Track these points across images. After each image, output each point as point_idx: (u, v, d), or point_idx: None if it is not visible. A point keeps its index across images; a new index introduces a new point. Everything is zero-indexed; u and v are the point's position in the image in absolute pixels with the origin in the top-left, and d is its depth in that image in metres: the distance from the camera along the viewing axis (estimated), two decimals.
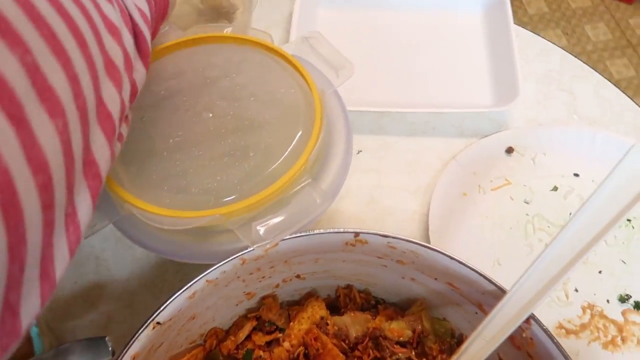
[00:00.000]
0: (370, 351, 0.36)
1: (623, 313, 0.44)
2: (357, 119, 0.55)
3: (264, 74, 0.40)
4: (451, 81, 0.58)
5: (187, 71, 0.40)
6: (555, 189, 0.51)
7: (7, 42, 0.16)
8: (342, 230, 0.34)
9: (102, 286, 0.47)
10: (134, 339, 0.31)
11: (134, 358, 0.31)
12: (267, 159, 0.35)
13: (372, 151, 0.54)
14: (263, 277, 0.37)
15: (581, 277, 0.46)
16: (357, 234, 0.34)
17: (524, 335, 0.32)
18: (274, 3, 0.67)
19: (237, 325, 0.39)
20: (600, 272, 0.46)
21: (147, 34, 0.31)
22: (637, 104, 0.57)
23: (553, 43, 0.61)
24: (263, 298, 0.39)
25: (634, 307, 0.44)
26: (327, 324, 0.37)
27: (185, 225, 0.33)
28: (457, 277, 0.34)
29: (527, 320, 0.31)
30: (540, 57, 0.61)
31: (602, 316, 0.44)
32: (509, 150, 0.52)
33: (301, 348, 0.36)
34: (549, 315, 0.44)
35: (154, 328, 0.32)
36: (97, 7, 0.24)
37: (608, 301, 0.45)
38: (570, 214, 0.49)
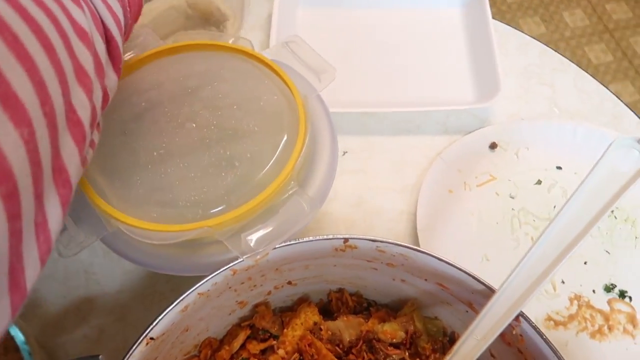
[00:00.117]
0: (365, 354, 0.36)
1: (609, 302, 0.45)
2: (340, 120, 0.55)
3: (245, 82, 0.40)
4: (433, 78, 0.58)
5: (166, 81, 0.39)
6: (539, 182, 0.51)
7: None
8: (331, 236, 0.34)
9: (92, 300, 0.47)
10: (127, 357, 0.31)
11: None
12: (253, 168, 0.35)
13: (358, 152, 0.54)
14: (254, 285, 0.37)
15: (567, 269, 0.47)
16: (346, 239, 0.34)
17: (514, 332, 0.33)
18: (252, 6, 0.66)
19: (230, 334, 0.39)
20: (585, 263, 0.47)
21: (119, 39, 0.30)
22: (614, 94, 0.58)
23: (532, 37, 0.62)
24: (255, 306, 0.39)
25: (619, 296, 0.46)
26: (321, 329, 0.37)
27: (174, 239, 0.33)
28: (447, 278, 0.34)
29: (516, 318, 0.32)
30: (519, 51, 0.61)
31: (589, 306, 0.45)
32: (493, 146, 0.53)
33: (296, 355, 0.36)
34: (538, 308, 0.45)
35: (147, 344, 0.32)
36: (65, 11, 0.24)
37: (594, 291, 0.46)
38: (554, 206, 0.50)
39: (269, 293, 0.39)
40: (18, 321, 0.39)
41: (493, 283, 0.33)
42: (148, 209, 0.34)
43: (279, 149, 0.36)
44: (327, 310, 0.41)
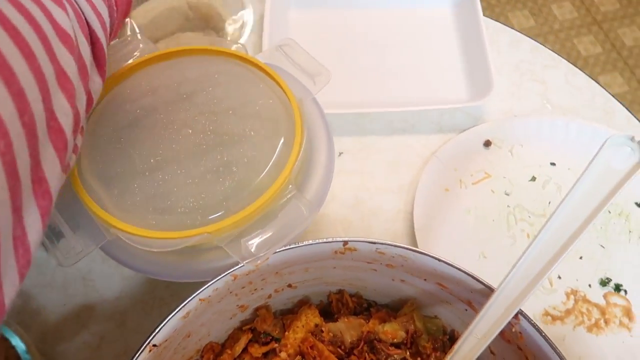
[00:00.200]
0: (366, 355, 0.36)
1: (604, 296, 0.46)
2: (335, 121, 0.56)
3: (240, 86, 0.40)
4: (426, 78, 0.59)
5: (161, 87, 0.39)
6: (533, 179, 0.52)
7: None
8: (331, 240, 0.34)
9: (91, 307, 0.47)
10: None
11: None
12: (250, 173, 0.35)
13: (354, 152, 0.55)
14: (255, 289, 0.37)
15: (563, 264, 0.47)
16: (345, 242, 0.34)
17: (513, 330, 0.33)
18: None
19: (232, 338, 0.39)
20: (581, 257, 0.48)
21: (104, 41, 0.29)
22: (605, 88, 0.59)
23: (522, 32, 0.62)
24: (256, 309, 0.40)
25: (615, 290, 0.46)
26: (322, 331, 0.37)
27: (174, 246, 0.33)
28: (446, 278, 0.35)
29: (515, 316, 0.32)
30: (511, 47, 0.62)
31: (585, 301, 0.46)
32: (487, 144, 0.53)
33: (298, 357, 0.36)
34: (535, 303, 0.46)
35: (150, 351, 0.32)
36: (45, 12, 0.23)
37: (590, 286, 0.46)
38: (549, 203, 0.50)
39: (270, 296, 0.39)
40: (18, 330, 0.39)
41: (491, 280, 0.33)
42: (146, 217, 0.34)
43: (276, 153, 0.36)
44: (328, 312, 0.41)
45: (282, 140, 0.37)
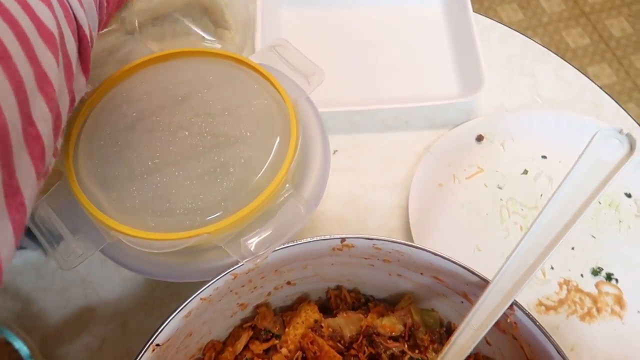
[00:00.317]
0: (365, 348, 0.37)
1: (596, 285, 0.47)
2: (329, 120, 0.56)
3: (235, 87, 0.40)
4: (419, 74, 0.59)
5: (156, 90, 0.40)
6: (525, 172, 0.53)
7: None
8: (328, 237, 0.35)
9: (92, 309, 0.47)
10: None
11: None
12: (247, 173, 0.36)
13: (348, 150, 0.55)
14: (255, 287, 0.38)
15: (556, 255, 0.48)
16: (343, 239, 0.35)
17: (508, 320, 0.34)
18: (232, 5, 0.66)
19: (233, 335, 0.40)
20: (573, 248, 0.49)
21: (90, 38, 0.28)
22: (593, 81, 0.60)
23: (511, 26, 0.63)
24: (256, 307, 0.40)
25: (606, 279, 0.47)
26: (322, 327, 0.38)
27: (174, 247, 0.34)
28: (442, 271, 0.35)
29: (510, 307, 0.33)
30: (500, 43, 0.63)
31: (578, 290, 0.47)
32: (479, 138, 0.54)
33: (299, 353, 0.37)
34: (529, 294, 0.47)
35: (153, 350, 0.32)
36: (27, 9, 0.21)
37: (582, 275, 0.47)
38: (541, 195, 0.51)
39: (269, 294, 0.40)
40: (20, 333, 0.40)
41: (485, 272, 0.34)
42: (146, 219, 0.35)
43: (272, 153, 0.37)
44: (327, 308, 0.42)
45: (277, 140, 0.37)
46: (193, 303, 0.33)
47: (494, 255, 0.48)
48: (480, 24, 0.63)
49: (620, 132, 0.33)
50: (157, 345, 0.32)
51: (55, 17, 0.23)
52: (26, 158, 0.21)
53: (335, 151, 0.55)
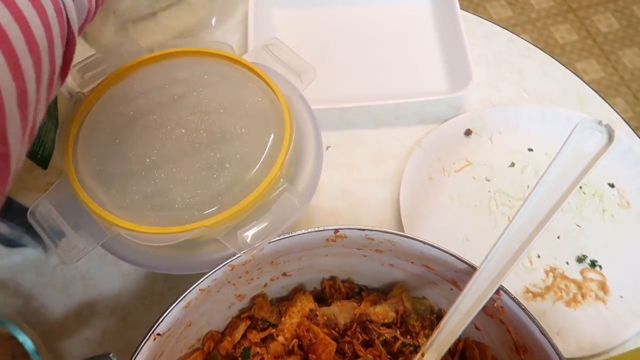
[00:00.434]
0: (359, 335, 0.38)
1: (581, 272, 0.49)
2: (322, 116, 0.57)
3: (229, 86, 0.41)
4: (408, 71, 0.61)
5: (152, 89, 0.41)
6: (512, 164, 0.54)
7: None
8: (322, 228, 0.36)
9: (92, 304, 0.48)
10: (137, 352, 0.33)
11: None
12: (243, 169, 0.37)
13: (340, 146, 0.56)
14: (252, 279, 0.39)
15: (542, 244, 0.50)
16: (336, 230, 0.36)
17: (495, 305, 0.35)
18: (226, 7, 0.68)
19: (231, 326, 0.41)
20: (558, 237, 0.50)
21: (75, 41, 0.27)
22: (578, 76, 0.61)
23: (499, 24, 0.65)
24: (253, 298, 0.41)
25: (590, 266, 0.49)
26: (317, 315, 0.39)
27: (173, 240, 0.35)
28: (432, 260, 0.37)
29: (497, 292, 0.34)
30: (488, 40, 0.64)
31: (563, 277, 0.48)
32: (468, 133, 0.56)
33: (295, 340, 0.38)
34: (516, 281, 0.48)
35: (154, 339, 0.33)
36: (21, 19, 0.20)
37: (567, 263, 0.49)
38: (528, 186, 0.53)
39: (266, 285, 0.41)
40: (24, 327, 0.41)
41: (474, 261, 0.35)
42: (145, 214, 0.36)
43: (267, 149, 0.38)
44: (321, 298, 0.43)
45: (272, 137, 0.39)
46: (192, 294, 0.35)
47: (483, 244, 0.49)
48: (468, 21, 0.64)
49: (600, 123, 0.35)
50: (158, 334, 0.34)
51: (41, 22, 0.22)
52: None
53: (328, 147, 0.56)
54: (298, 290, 0.43)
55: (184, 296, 0.34)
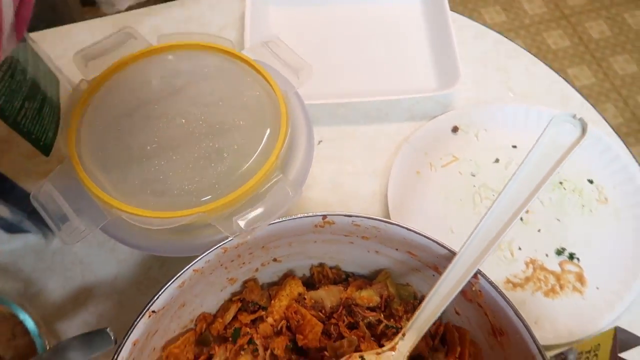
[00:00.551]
0: (345, 317, 0.40)
1: (560, 264, 0.51)
2: (315, 112, 0.59)
3: (229, 79, 0.43)
4: (399, 69, 0.63)
5: (155, 80, 0.43)
6: (497, 160, 0.57)
7: None
8: (311, 214, 0.38)
9: (89, 289, 0.50)
10: (133, 327, 0.34)
11: (134, 344, 0.34)
12: (240, 159, 0.39)
13: (332, 140, 0.59)
14: (243, 263, 0.41)
15: (523, 236, 0.52)
16: (324, 216, 0.38)
17: (473, 288, 0.37)
18: (224, 7, 0.70)
19: (223, 308, 0.43)
20: (539, 230, 0.53)
21: None
22: (562, 77, 0.64)
23: (490, 26, 0.67)
24: (245, 282, 0.43)
25: (569, 258, 0.51)
26: (305, 299, 0.41)
27: (171, 224, 0.37)
28: (414, 246, 0.39)
29: (475, 276, 0.36)
30: (476, 40, 0.66)
31: (543, 269, 0.51)
32: (455, 129, 0.58)
33: (283, 321, 0.40)
34: (498, 272, 0.50)
35: (149, 316, 0.35)
36: None
37: (547, 255, 0.51)
38: None
39: (257, 270, 0.43)
40: (26, 307, 0.42)
41: (456, 249, 0.37)
42: (145, 199, 0.38)
43: (263, 141, 0.40)
44: (310, 284, 0.45)
45: (268, 130, 0.40)
46: (186, 274, 0.36)
47: (466, 236, 0.51)
48: (457, 21, 0.67)
49: (574, 117, 0.37)
50: (153, 311, 0.35)
51: None
52: None
53: (320, 141, 0.58)
54: (288, 276, 0.45)
55: (179, 276, 0.36)
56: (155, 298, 0.35)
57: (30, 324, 0.41)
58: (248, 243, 0.39)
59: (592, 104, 0.61)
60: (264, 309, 0.42)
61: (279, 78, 0.44)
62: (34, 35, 0.46)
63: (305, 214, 0.38)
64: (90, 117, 0.41)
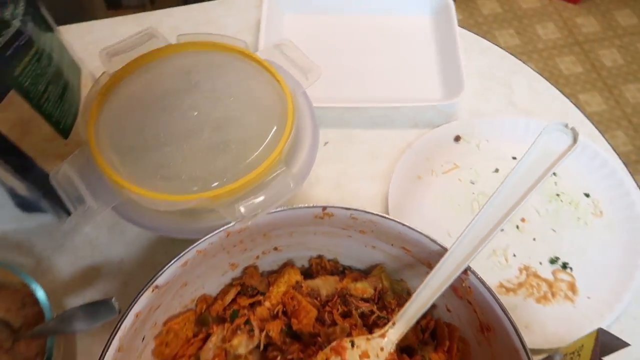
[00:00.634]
0: (339, 306, 0.42)
1: (553, 272, 0.52)
2: (323, 115, 0.62)
3: (241, 77, 0.46)
4: (405, 78, 0.65)
5: (172, 75, 0.45)
6: (496, 170, 0.58)
7: None
8: (311, 205, 0.40)
9: (97, 268, 0.52)
10: (136, 299, 0.36)
11: (137, 315, 0.36)
12: (246, 151, 0.41)
13: (338, 143, 0.61)
14: (245, 249, 0.43)
15: (518, 244, 0.54)
16: (324, 207, 0.40)
17: (463, 285, 0.39)
18: (242, 12, 0.73)
19: (223, 292, 0.44)
20: (534, 239, 0.54)
21: None
22: (563, 93, 0.65)
23: (502, 48, 0.69)
24: (245, 268, 0.45)
25: (562, 267, 0.52)
26: (302, 287, 0.43)
27: (178, 207, 0.39)
28: (408, 241, 0.41)
29: (465, 272, 0.38)
30: (482, 55, 0.69)
31: (536, 276, 0.52)
32: (457, 139, 0.60)
33: (280, 306, 0.42)
34: (492, 277, 0.52)
35: (153, 291, 0.37)
36: None
37: (541, 263, 0.53)
38: None
39: (258, 257, 0.45)
40: (39, 279, 0.44)
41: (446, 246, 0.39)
42: (155, 183, 0.40)
43: (270, 136, 0.42)
44: (308, 275, 0.47)
45: (275, 126, 0.43)
46: (190, 254, 0.39)
47: None
48: (465, 37, 0.69)
49: (566, 126, 0.38)
50: (157, 287, 0.37)
51: None
52: None
53: (326, 143, 0.61)
54: (287, 265, 0.46)
55: (183, 254, 0.38)
56: (160, 274, 0.37)
57: (40, 293, 0.43)
58: (250, 229, 0.41)
59: (592, 122, 0.63)
60: (263, 294, 0.44)
61: (288, 78, 0.46)
62: (61, 27, 0.49)
63: (306, 205, 0.40)
64: (109, 106, 0.43)
